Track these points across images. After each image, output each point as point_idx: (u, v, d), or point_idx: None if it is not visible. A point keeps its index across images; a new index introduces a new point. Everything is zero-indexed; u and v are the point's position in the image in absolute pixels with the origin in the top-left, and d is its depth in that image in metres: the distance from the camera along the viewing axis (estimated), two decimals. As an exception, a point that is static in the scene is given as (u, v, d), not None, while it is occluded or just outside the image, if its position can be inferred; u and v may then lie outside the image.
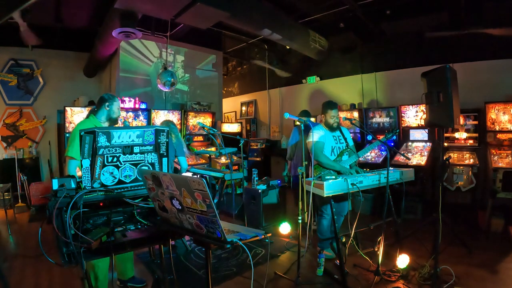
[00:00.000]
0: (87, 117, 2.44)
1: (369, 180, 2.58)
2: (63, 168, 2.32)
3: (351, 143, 3.06)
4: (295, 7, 5.22)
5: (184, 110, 5.77)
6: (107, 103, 2.34)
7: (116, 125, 2.45)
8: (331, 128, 2.99)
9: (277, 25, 4.83)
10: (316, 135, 2.91)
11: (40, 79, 6.24)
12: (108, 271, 2.17)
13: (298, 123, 4.16)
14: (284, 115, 2.68)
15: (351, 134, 3.36)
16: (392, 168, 2.70)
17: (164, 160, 1.65)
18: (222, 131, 6.66)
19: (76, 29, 5.88)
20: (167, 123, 3.72)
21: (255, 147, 7.00)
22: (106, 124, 2.37)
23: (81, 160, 1.42)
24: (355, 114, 5.46)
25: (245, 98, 8.39)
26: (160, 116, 5.35)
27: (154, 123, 5.20)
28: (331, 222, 2.55)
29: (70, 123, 4.61)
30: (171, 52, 6.19)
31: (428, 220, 3.21)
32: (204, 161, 5.58)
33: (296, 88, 7.05)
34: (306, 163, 2.62)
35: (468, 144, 4.30)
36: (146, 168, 1.60)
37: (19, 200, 5.11)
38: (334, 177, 2.53)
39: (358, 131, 5.20)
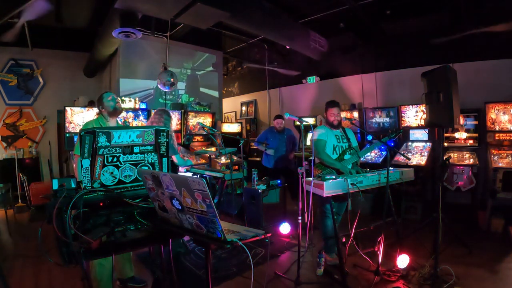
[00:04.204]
0: (96, 117, 2.55)
1: (369, 180, 2.58)
2: (70, 166, 2.43)
3: (354, 143, 3.06)
4: (295, 7, 5.22)
5: (184, 110, 5.76)
6: (100, 105, 2.51)
7: (119, 115, 2.61)
8: (332, 126, 2.99)
9: (277, 25, 4.83)
10: (317, 133, 2.92)
11: (40, 79, 6.24)
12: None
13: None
14: (284, 115, 2.69)
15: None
16: (392, 168, 2.70)
17: (164, 160, 1.65)
18: (222, 131, 6.66)
19: (76, 29, 5.88)
20: (161, 113, 3.42)
21: (255, 147, 7.00)
22: (112, 119, 2.52)
23: (81, 160, 1.42)
24: (355, 114, 5.46)
25: (245, 98, 8.39)
26: (160, 116, 5.35)
27: (150, 122, 5.20)
28: (333, 222, 2.54)
29: (70, 123, 4.60)
30: (171, 52, 6.18)
31: (428, 220, 3.21)
32: (204, 161, 5.58)
33: (296, 88, 7.05)
34: (306, 162, 2.62)
35: (468, 144, 4.30)
36: (146, 168, 1.60)
37: (19, 200, 5.11)
38: (334, 177, 2.53)
39: (358, 131, 5.20)
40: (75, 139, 2.48)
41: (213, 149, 5.66)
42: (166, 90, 5.10)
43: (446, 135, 4.37)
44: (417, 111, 4.77)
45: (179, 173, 3.72)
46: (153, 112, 5.30)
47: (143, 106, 5.28)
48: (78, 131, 2.46)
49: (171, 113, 3.56)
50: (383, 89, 5.61)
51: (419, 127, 4.73)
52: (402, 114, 4.90)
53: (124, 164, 1.54)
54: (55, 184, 1.39)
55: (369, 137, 5.08)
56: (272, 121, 7.56)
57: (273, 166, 4.74)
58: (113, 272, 1.76)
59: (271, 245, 3.45)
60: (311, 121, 6.04)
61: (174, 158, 3.39)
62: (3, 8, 3.53)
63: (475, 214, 3.86)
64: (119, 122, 2.76)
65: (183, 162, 3.57)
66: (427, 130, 4.64)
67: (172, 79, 4.84)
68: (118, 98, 2.60)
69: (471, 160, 4.05)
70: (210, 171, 4.15)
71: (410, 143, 4.79)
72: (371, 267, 2.68)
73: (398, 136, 3.11)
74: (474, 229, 3.73)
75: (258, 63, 7.55)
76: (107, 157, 1.48)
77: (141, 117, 5.19)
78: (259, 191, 3.83)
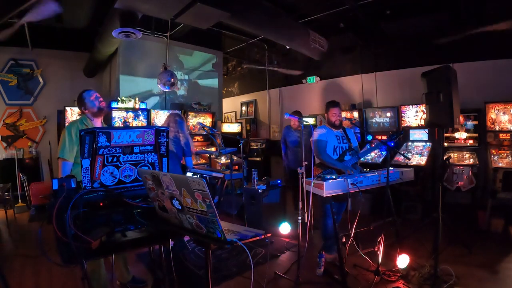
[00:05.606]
0: (79, 118, 2.42)
1: (369, 180, 2.59)
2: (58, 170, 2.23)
3: (355, 143, 3.06)
4: (295, 7, 5.22)
5: (184, 110, 5.76)
6: (82, 106, 2.34)
7: (104, 115, 2.45)
8: (333, 126, 2.99)
9: (277, 25, 4.83)
10: (318, 134, 2.92)
11: (40, 79, 6.24)
12: (108, 271, 2.17)
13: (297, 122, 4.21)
14: (284, 115, 2.69)
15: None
16: (392, 168, 2.71)
17: (164, 160, 1.65)
18: (222, 131, 6.66)
19: (76, 29, 5.88)
20: (175, 116, 3.42)
21: (255, 147, 7.00)
22: (96, 120, 2.36)
23: (81, 160, 1.42)
24: (355, 114, 5.46)
25: (245, 98, 8.39)
26: (160, 116, 5.35)
27: (154, 123, 5.20)
28: (333, 222, 2.54)
29: (70, 123, 4.60)
30: (171, 52, 6.18)
31: (428, 220, 3.21)
32: (204, 161, 5.58)
33: (296, 88, 7.05)
34: (306, 162, 2.62)
35: (468, 144, 4.30)
36: (146, 168, 1.60)
37: (19, 200, 5.11)
38: (334, 177, 2.53)
39: (358, 131, 5.20)
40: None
41: (213, 149, 5.66)
42: (166, 90, 5.10)
43: (446, 135, 4.37)
44: (417, 111, 4.77)
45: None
46: (153, 112, 5.32)
47: (143, 106, 5.28)
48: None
49: (180, 117, 3.52)
50: (383, 89, 5.61)
51: (419, 127, 4.73)
52: (402, 114, 4.90)
53: (124, 164, 1.54)
54: (55, 184, 1.39)
55: (369, 137, 5.08)
56: (272, 121, 7.59)
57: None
58: (112, 272, 1.76)
59: (271, 245, 3.45)
60: (311, 121, 6.04)
61: (188, 158, 3.33)
62: (3, 8, 3.53)
63: (475, 214, 3.86)
64: (119, 123, 2.72)
65: (192, 164, 3.54)
66: (427, 130, 4.64)
67: (172, 79, 4.84)
68: (101, 97, 2.42)
69: (471, 160, 4.05)
70: (210, 171, 4.17)
71: (410, 143, 4.79)
72: (371, 267, 2.68)
73: (399, 138, 3.12)
74: (474, 229, 3.72)
75: (258, 63, 7.55)
76: (107, 157, 1.48)
77: (141, 117, 5.20)
78: (259, 191, 3.83)
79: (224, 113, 8.38)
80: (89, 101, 2.32)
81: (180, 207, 1.27)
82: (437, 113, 2.88)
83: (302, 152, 2.64)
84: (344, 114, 5.33)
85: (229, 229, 1.35)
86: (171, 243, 1.99)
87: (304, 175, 2.53)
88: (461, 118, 4.16)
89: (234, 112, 8.65)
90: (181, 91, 6.52)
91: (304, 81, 6.73)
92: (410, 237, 3.22)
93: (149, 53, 5.96)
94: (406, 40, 5.18)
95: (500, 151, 3.96)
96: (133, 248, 1.57)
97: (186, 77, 6.63)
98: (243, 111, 8.36)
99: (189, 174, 3.81)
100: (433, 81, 2.93)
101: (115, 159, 1.51)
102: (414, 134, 4.79)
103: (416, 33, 4.99)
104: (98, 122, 2.38)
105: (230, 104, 8.76)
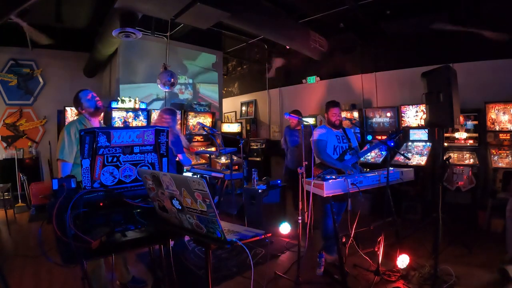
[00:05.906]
0: (77, 118, 2.41)
1: (369, 180, 2.59)
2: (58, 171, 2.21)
3: (355, 143, 3.06)
4: (295, 7, 5.22)
5: (184, 110, 5.76)
6: (78, 106, 2.34)
7: (101, 114, 2.46)
8: (333, 126, 3.00)
9: (277, 25, 4.83)
10: (318, 133, 2.92)
11: (40, 79, 6.24)
12: (108, 271, 2.17)
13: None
14: (284, 115, 2.69)
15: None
16: (392, 168, 2.71)
17: (164, 160, 1.65)
18: (222, 131, 6.66)
19: (76, 29, 5.88)
20: (162, 113, 3.27)
21: (255, 147, 7.00)
22: (94, 120, 2.36)
23: (81, 160, 1.42)
24: (355, 114, 5.46)
25: (245, 98, 8.39)
26: (160, 116, 5.34)
27: (154, 123, 5.20)
28: (333, 222, 2.54)
29: (70, 123, 4.60)
30: (171, 52, 6.18)
31: (428, 220, 3.21)
32: (204, 161, 5.58)
33: (296, 88, 7.05)
34: (306, 162, 2.62)
35: (468, 144, 4.30)
36: (146, 168, 1.60)
37: (19, 200, 5.11)
38: (334, 177, 2.53)
39: (358, 131, 5.20)
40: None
41: (213, 149, 5.66)
42: (166, 90, 5.09)
43: (446, 135, 4.37)
44: (417, 111, 4.77)
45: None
46: (153, 112, 5.32)
47: (143, 106, 5.28)
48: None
49: (175, 111, 3.37)
50: (383, 89, 5.61)
51: (419, 127, 4.73)
52: (402, 114, 4.90)
53: (124, 164, 1.54)
54: (55, 184, 1.38)
55: (369, 137, 5.08)
56: (271, 121, 7.59)
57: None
58: (112, 272, 1.76)
59: (271, 245, 3.45)
60: (311, 121, 6.04)
61: (180, 156, 3.21)
62: (3, 8, 3.53)
63: (475, 214, 3.86)
64: (119, 123, 2.71)
65: (188, 161, 3.43)
66: (427, 130, 4.63)
67: (172, 79, 4.84)
68: (98, 96, 2.40)
69: (471, 160, 4.05)
70: (210, 171, 4.17)
71: (410, 143, 4.79)
72: (371, 267, 2.68)
73: (398, 136, 3.11)
74: (474, 229, 3.72)
75: (258, 63, 7.54)
76: (107, 157, 1.48)
77: (141, 117, 5.20)
78: (259, 191, 3.83)
79: (224, 113, 8.38)
80: (86, 101, 2.32)
81: (180, 207, 1.27)
82: (437, 113, 2.88)
83: (302, 152, 2.64)
84: (344, 114, 5.33)
85: (229, 229, 1.35)
86: (171, 243, 1.99)
87: (304, 175, 2.53)
88: (461, 118, 4.16)
89: (234, 112, 8.65)
90: (185, 95, 6.51)
91: (304, 81, 6.73)
92: (410, 237, 3.22)
93: (149, 53, 5.96)
94: (406, 40, 5.18)
95: (500, 151, 3.96)
96: (133, 248, 1.56)
97: (191, 80, 6.63)
98: (243, 111, 8.36)
99: (188, 174, 3.81)
100: (433, 81, 2.92)
101: (115, 159, 1.51)
102: (414, 134, 4.78)
103: (416, 33, 4.99)
104: (96, 122, 2.37)
105: (230, 104, 8.76)
